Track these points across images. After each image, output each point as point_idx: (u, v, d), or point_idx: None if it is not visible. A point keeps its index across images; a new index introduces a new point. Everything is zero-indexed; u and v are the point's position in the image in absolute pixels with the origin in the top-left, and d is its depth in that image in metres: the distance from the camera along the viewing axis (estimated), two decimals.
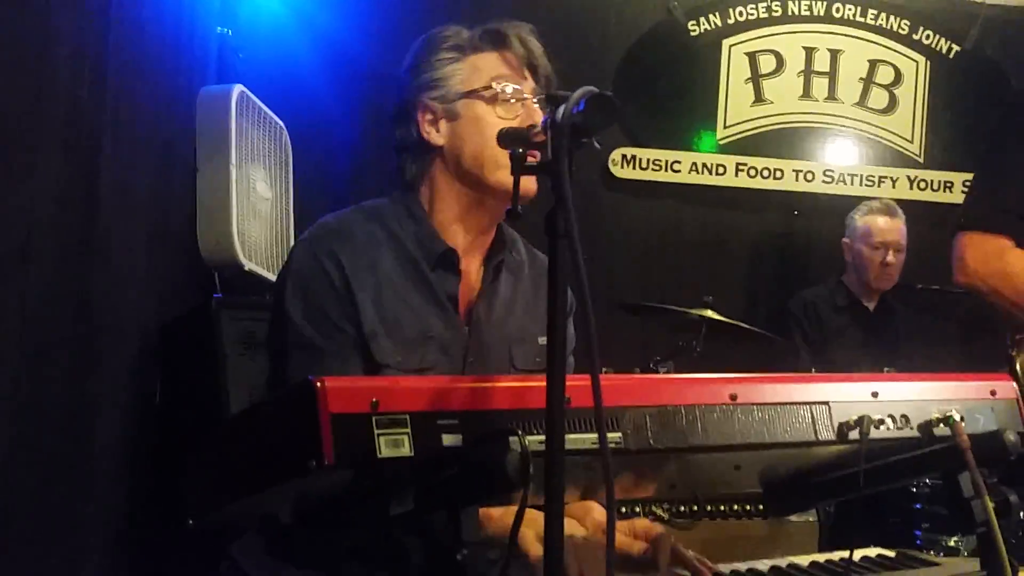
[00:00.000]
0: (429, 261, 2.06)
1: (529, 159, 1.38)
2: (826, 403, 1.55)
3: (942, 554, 3.39)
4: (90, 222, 2.59)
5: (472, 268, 2.13)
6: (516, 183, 1.39)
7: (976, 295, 2.73)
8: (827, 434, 1.53)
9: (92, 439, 2.65)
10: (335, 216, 2.11)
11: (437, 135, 2.09)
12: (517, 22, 2.10)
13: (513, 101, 2.06)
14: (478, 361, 2.06)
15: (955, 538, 3.57)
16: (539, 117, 1.90)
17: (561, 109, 1.22)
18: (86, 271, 2.58)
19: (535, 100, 2.05)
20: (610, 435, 1.33)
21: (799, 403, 1.52)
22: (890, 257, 4.71)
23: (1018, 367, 2.57)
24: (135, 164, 2.95)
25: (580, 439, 1.30)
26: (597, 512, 1.88)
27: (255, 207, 3.59)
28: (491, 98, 2.05)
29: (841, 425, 1.54)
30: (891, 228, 4.72)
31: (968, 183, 5.33)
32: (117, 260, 2.78)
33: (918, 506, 3.71)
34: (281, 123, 3.89)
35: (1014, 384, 1.75)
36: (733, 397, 1.46)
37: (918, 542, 3.66)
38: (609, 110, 1.25)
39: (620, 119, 1.22)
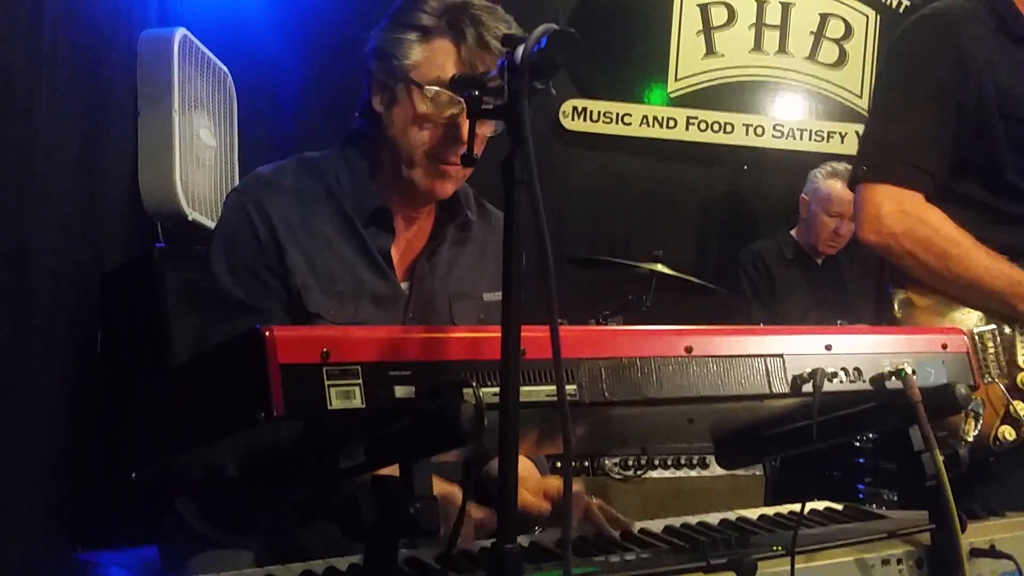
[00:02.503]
0: (362, 218, 2.02)
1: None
2: (780, 356, 1.54)
3: (884, 507, 3.45)
4: (26, 169, 2.52)
5: (413, 225, 2.10)
6: (472, 127, 1.36)
7: (883, 254, 2.46)
8: (781, 387, 1.52)
9: (30, 386, 2.60)
10: (271, 166, 2.06)
11: (379, 105, 2.03)
12: (481, 5, 1.97)
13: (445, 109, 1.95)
14: (418, 317, 2.03)
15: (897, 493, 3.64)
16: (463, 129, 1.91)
17: (521, 49, 1.18)
18: (22, 218, 2.52)
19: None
20: (566, 387, 1.30)
21: (754, 355, 1.51)
22: (843, 229, 4.71)
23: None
24: (73, 110, 2.87)
25: (535, 391, 1.28)
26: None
27: (199, 155, 3.51)
28: (431, 97, 1.94)
29: (795, 378, 1.53)
30: (851, 199, 4.64)
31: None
32: (54, 208, 2.72)
33: (861, 460, 3.77)
34: (226, 69, 3.80)
35: (965, 338, 1.76)
36: (688, 349, 1.44)
37: (859, 495, 3.72)
38: (572, 47, 1.21)
39: (580, 58, 1.18)
